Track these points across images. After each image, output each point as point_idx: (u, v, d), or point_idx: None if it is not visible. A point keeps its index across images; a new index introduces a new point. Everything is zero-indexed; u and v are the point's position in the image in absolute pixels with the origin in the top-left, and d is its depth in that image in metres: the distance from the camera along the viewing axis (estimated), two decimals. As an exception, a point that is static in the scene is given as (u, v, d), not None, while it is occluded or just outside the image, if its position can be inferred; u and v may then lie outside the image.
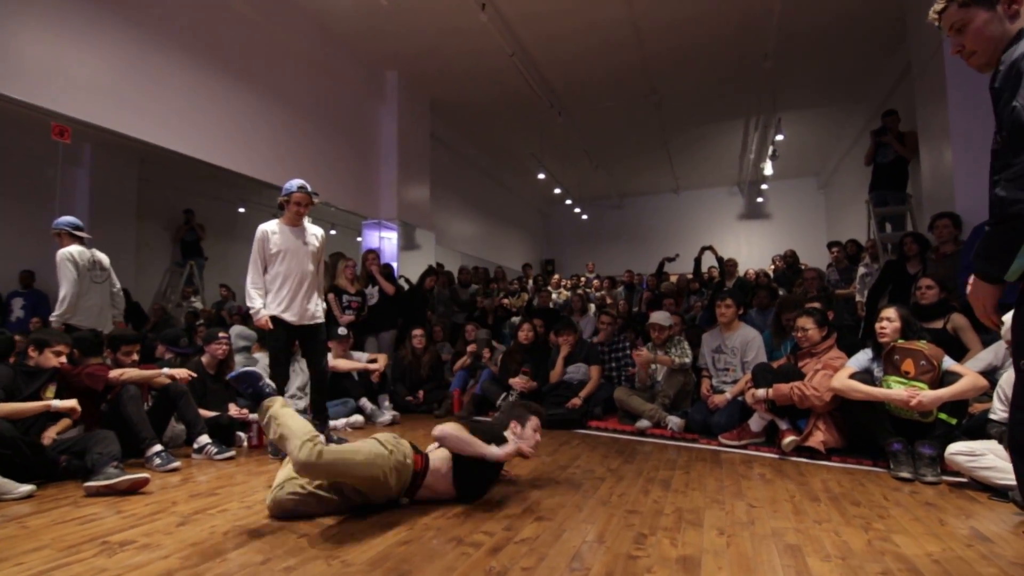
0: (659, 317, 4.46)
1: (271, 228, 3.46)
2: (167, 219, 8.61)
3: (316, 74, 6.25)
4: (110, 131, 4.10)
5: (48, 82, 3.74)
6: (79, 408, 2.84)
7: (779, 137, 8.59)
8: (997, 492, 2.42)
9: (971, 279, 1.41)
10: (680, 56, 7.04)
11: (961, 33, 1.41)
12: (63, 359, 2.96)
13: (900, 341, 3.02)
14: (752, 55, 6.81)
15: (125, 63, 4.23)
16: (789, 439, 3.24)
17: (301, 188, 3.46)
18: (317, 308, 3.57)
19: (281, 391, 3.50)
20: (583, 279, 10.32)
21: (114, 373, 3.18)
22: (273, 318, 3.41)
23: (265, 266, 3.46)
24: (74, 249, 3.94)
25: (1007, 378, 2.65)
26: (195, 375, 3.50)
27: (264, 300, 3.42)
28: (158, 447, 3.00)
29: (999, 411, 2.63)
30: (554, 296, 8.51)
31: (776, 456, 3.28)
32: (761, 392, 3.38)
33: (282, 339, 3.45)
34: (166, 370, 3.36)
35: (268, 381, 2.30)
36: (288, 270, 3.44)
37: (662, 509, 2.26)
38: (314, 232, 3.60)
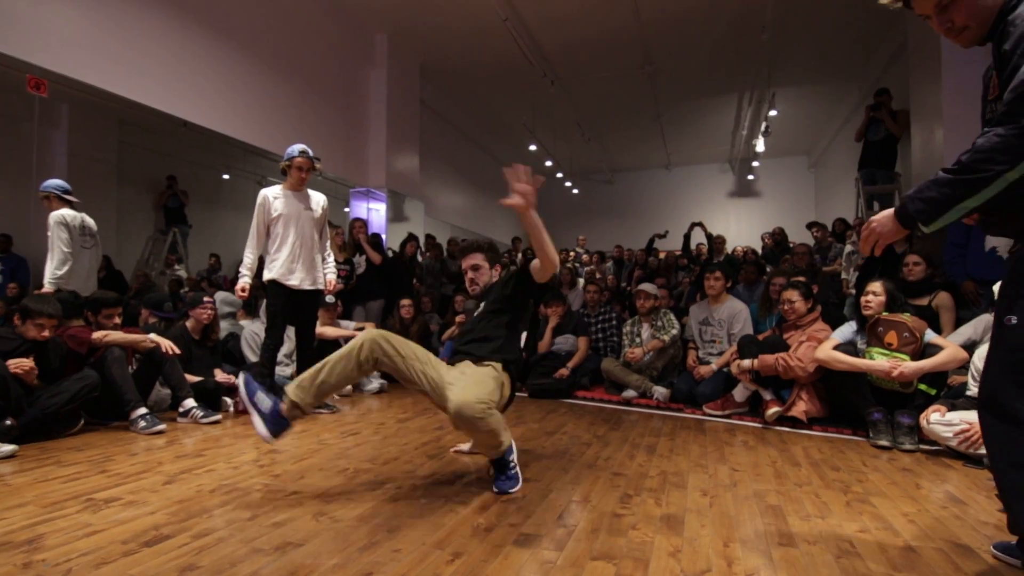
0: (646, 285, 4.49)
1: (272, 193, 3.42)
2: (149, 184, 8.41)
3: (303, 35, 6.06)
4: (87, 86, 3.96)
5: (21, 32, 3.59)
6: (26, 363, 2.73)
7: (772, 112, 8.56)
8: (972, 460, 2.49)
9: (884, 214, 1.40)
10: (676, 24, 6.93)
11: (947, 9, 1.33)
12: (46, 333, 2.84)
13: (884, 313, 3.06)
14: (750, 26, 6.72)
15: (103, 16, 4.06)
16: (773, 410, 3.29)
17: (303, 152, 3.41)
18: (317, 274, 3.55)
19: (275, 356, 3.48)
20: (572, 253, 10.31)
21: (97, 335, 3.13)
22: (274, 282, 3.39)
23: (267, 231, 3.42)
24: (66, 212, 3.85)
25: (980, 354, 2.70)
26: (179, 351, 3.43)
27: (253, 268, 3.39)
28: (143, 410, 2.98)
29: (973, 387, 2.69)
30: (543, 270, 8.49)
31: (759, 425, 3.34)
32: (747, 363, 3.42)
33: (280, 303, 3.43)
34: (152, 336, 3.31)
35: None
36: (290, 235, 3.41)
37: (647, 472, 2.29)
38: (317, 199, 3.56)
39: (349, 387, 4.36)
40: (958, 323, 3.48)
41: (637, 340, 4.45)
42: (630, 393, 4.12)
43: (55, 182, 3.94)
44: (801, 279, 4.07)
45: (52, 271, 3.73)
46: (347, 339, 4.65)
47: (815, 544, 1.59)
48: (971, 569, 1.45)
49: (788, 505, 1.91)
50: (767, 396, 3.42)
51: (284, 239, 3.39)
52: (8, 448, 2.43)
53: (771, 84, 8.26)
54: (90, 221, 4.05)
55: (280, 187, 3.46)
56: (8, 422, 2.52)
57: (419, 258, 7.09)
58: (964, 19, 1.32)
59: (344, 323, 4.90)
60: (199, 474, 2.19)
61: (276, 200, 3.40)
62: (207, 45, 4.91)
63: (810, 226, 7.00)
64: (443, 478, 2.17)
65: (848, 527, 1.72)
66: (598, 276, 8.03)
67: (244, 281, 3.35)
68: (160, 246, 8.30)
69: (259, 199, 3.39)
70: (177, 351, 3.34)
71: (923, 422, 2.64)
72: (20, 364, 2.69)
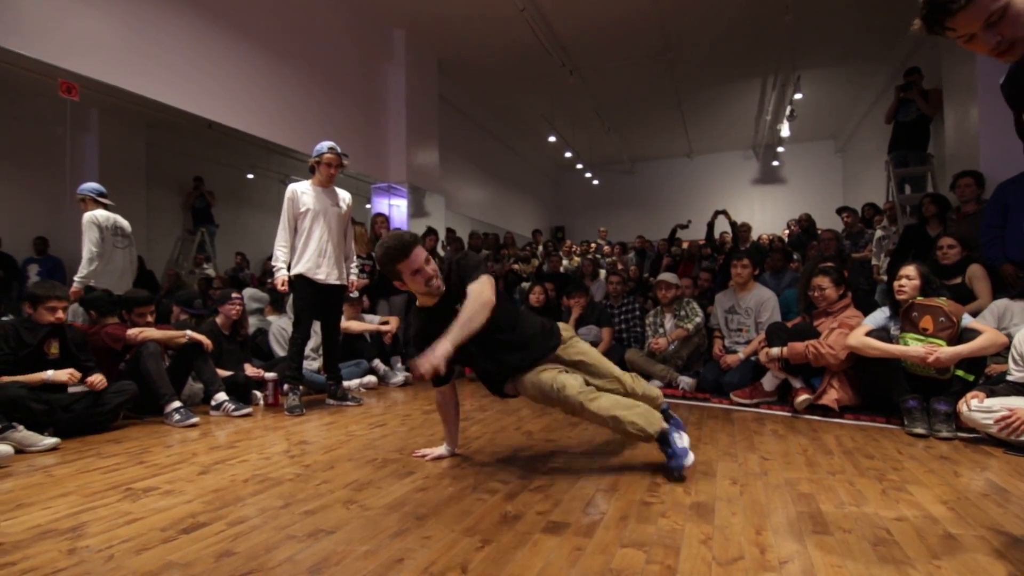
0: (667, 276, 4.44)
1: (301, 188, 3.45)
2: (176, 186, 8.60)
3: (322, 31, 6.11)
4: (116, 89, 4.05)
5: (50, 37, 3.68)
6: (77, 374, 2.83)
7: (798, 96, 8.34)
8: (1013, 447, 2.40)
9: None
10: (697, 8, 6.79)
11: (997, 25, 1.19)
12: (60, 314, 2.88)
13: (919, 298, 2.97)
14: (772, 7, 6.54)
15: (129, 18, 4.15)
16: (803, 398, 3.23)
17: (331, 149, 3.44)
18: (342, 270, 3.59)
19: (303, 350, 3.53)
20: (594, 245, 10.25)
21: (132, 332, 3.23)
22: (301, 277, 3.41)
23: (295, 226, 3.45)
24: (99, 213, 3.95)
25: (1022, 337, 2.61)
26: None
27: (288, 261, 3.42)
28: (177, 403, 3.06)
29: (1015, 372, 2.60)
30: (565, 262, 8.48)
31: (788, 414, 3.28)
32: (775, 351, 3.36)
33: (308, 298, 3.45)
34: (190, 332, 3.39)
35: None
36: (318, 230, 3.44)
37: (675, 461, 2.27)
38: (343, 195, 3.60)
39: (374, 379, 4.40)
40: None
41: (660, 330, 4.40)
42: (655, 383, 4.08)
43: (90, 185, 4.06)
44: (830, 264, 3.98)
45: (79, 272, 3.85)
46: (372, 333, 4.71)
47: (851, 532, 1.55)
48: (1015, 557, 1.40)
49: (821, 493, 1.87)
50: (797, 384, 3.35)
51: (312, 234, 3.42)
52: (51, 441, 2.52)
53: (796, 67, 8.05)
54: (123, 222, 4.15)
55: (308, 183, 3.49)
56: (49, 438, 2.57)
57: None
58: (1014, 31, 1.20)
59: (369, 317, 4.95)
60: (232, 464, 2.24)
61: (304, 195, 3.43)
62: (229, 45, 4.98)
63: (840, 211, 6.82)
64: (470, 468, 2.18)
65: (884, 515, 1.68)
66: (620, 267, 7.98)
67: (283, 275, 3.37)
68: (189, 246, 8.50)
69: (288, 194, 3.42)
70: (210, 345, 3.42)
71: (962, 408, 2.56)
72: (70, 374, 2.79)
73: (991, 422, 2.46)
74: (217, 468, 2.19)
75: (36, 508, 1.75)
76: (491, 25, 7.00)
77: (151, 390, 3.06)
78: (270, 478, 2.06)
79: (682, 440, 2.09)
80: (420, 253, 2.06)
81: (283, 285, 3.38)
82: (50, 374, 2.76)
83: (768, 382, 3.53)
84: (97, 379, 2.86)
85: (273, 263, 3.44)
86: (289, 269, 3.42)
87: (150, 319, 3.46)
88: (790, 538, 1.51)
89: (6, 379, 2.66)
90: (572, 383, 2.03)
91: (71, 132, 6.21)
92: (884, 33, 7.40)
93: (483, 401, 3.70)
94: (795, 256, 6.36)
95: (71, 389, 2.79)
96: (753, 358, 3.82)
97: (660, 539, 1.50)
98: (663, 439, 2.04)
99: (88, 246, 3.84)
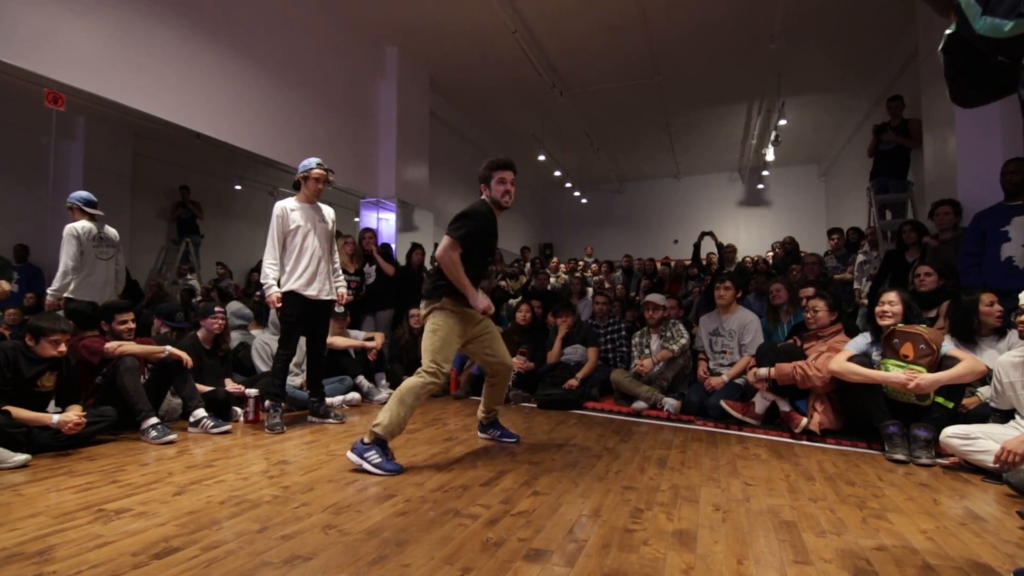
0: (654, 297, 4.46)
1: (289, 205, 3.44)
2: (162, 196, 8.52)
3: (315, 46, 6.14)
4: (103, 100, 4.02)
5: (39, 48, 3.66)
6: (83, 421, 2.75)
7: (782, 122, 8.51)
8: (991, 474, 2.43)
9: None
10: (686, 34, 6.94)
11: None
12: (62, 348, 2.82)
13: (900, 325, 3.02)
14: (759, 36, 6.72)
15: (118, 30, 4.14)
16: (804, 422, 3.24)
17: (320, 165, 3.46)
18: (332, 285, 3.59)
19: (288, 366, 3.49)
20: (581, 263, 10.30)
21: (111, 345, 3.16)
22: (293, 293, 3.39)
23: (284, 243, 3.44)
24: (79, 225, 3.89)
25: (1002, 363, 2.63)
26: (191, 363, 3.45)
27: (278, 278, 3.39)
28: (154, 419, 2.99)
29: (995, 400, 2.63)
30: (552, 280, 8.50)
31: (771, 438, 3.29)
32: (763, 371, 3.38)
33: (297, 314, 3.43)
34: (169, 348, 3.33)
35: None
36: (309, 247, 3.43)
37: (658, 486, 2.27)
38: (327, 211, 3.61)
39: (358, 396, 4.36)
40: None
41: (646, 351, 4.42)
42: (640, 405, 4.07)
43: (80, 194, 4.00)
44: (811, 290, 4.04)
45: (52, 284, 3.78)
46: (356, 349, 4.67)
47: (831, 562, 1.55)
48: (993, 589, 1.41)
49: (803, 521, 1.87)
50: (784, 407, 3.38)
51: (303, 251, 3.42)
52: (21, 457, 2.45)
53: (781, 93, 8.24)
54: (110, 231, 4.09)
55: (295, 199, 3.49)
56: (19, 455, 2.49)
57: (427, 267, 7.11)
58: None
59: (353, 333, 4.91)
60: (209, 485, 2.20)
61: (293, 212, 3.42)
62: (220, 58, 4.98)
63: (831, 233, 6.92)
64: (452, 491, 2.15)
65: (864, 544, 1.68)
66: (607, 286, 8.02)
67: (275, 291, 3.35)
68: (173, 256, 8.40)
69: (276, 211, 3.40)
70: (190, 362, 3.36)
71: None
72: (73, 424, 2.70)
73: (970, 448, 2.50)
74: (193, 488, 2.14)
75: (3, 530, 1.70)
76: (483, 45, 7.09)
77: (128, 405, 2.99)
78: (247, 500, 2.02)
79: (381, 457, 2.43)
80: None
81: (279, 302, 3.36)
82: (56, 419, 2.67)
83: (759, 404, 3.54)
84: (72, 424, 2.72)
85: (263, 280, 3.40)
86: (279, 285, 3.39)
87: (132, 326, 3.39)
88: (771, 568, 1.51)
89: (13, 410, 2.60)
90: None
91: (56, 139, 6.14)
92: (866, 62, 7.62)
93: (467, 421, 3.68)
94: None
95: (55, 419, 2.70)
96: (739, 380, 3.85)
97: (642, 568, 1.49)
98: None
99: (64, 259, 3.78)
